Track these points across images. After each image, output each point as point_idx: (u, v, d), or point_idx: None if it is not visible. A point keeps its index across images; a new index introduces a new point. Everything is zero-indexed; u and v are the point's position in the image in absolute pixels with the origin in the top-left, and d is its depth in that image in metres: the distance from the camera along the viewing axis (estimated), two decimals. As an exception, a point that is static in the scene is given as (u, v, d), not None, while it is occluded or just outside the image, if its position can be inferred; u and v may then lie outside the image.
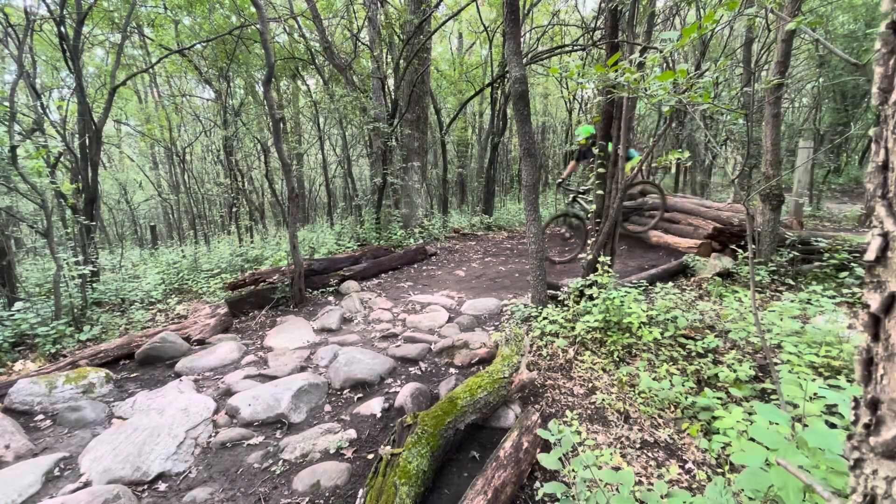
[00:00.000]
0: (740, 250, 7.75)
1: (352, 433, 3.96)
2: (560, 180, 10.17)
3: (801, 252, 7.45)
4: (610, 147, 6.53)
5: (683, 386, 4.13)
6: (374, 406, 4.34)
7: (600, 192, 6.12)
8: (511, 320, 6.23)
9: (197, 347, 6.18)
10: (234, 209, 16.01)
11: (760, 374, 4.46)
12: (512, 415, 4.06)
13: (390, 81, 13.84)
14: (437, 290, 8.29)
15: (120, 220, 23.87)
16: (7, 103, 7.10)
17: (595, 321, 5.12)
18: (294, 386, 4.52)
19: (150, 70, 16.97)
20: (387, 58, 14.12)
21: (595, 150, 8.46)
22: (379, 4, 13.04)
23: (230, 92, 15.64)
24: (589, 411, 4.20)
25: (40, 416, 4.53)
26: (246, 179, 17.78)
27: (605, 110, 6.03)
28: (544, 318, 5.57)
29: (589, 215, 8.80)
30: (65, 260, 7.34)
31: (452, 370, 5.08)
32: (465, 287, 8.43)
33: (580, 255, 8.39)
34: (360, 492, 2.90)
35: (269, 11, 13.79)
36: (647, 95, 3.67)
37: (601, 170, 6.08)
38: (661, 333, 4.92)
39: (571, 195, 10.08)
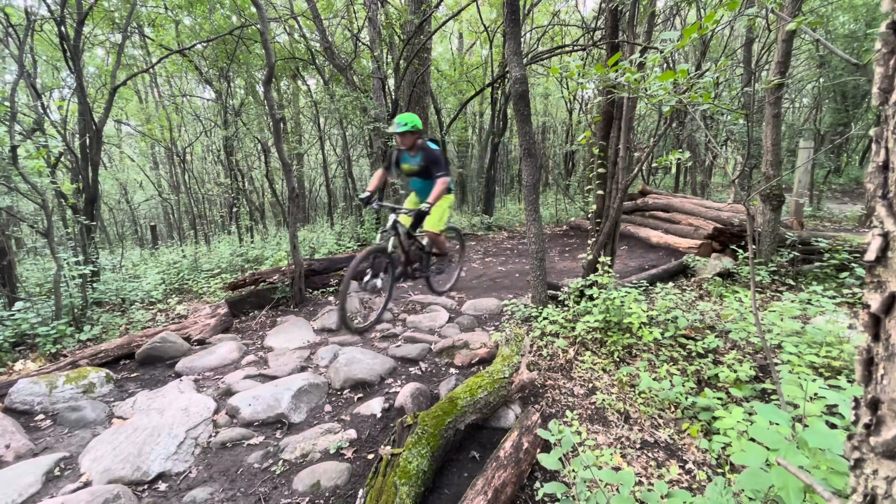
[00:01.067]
0: (740, 250, 7.75)
1: (352, 433, 3.96)
2: (365, 195, 6.71)
3: (802, 252, 7.46)
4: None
5: (684, 386, 4.14)
6: (375, 406, 4.33)
7: (600, 192, 6.12)
8: (511, 320, 6.23)
9: (197, 347, 6.17)
10: (235, 209, 16.03)
11: (761, 375, 4.47)
12: (512, 415, 4.06)
13: (391, 81, 13.84)
14: (438, 290, 8.30)
15: (120, 219, 23.91)
16: (8, 103, 7.09)
17: (595, 321, 5.12)
18: (294, 386, 4.52)
19: (151, 70, 17.00)
20: (387, 58, 14.12)
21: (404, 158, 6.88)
22: (379, 4, 13.05)
23: (230, 92, 15.66)
24: (589, 411, 4.21)
25: (40, 416, 4.52)
26: (246, 179, 17.80)
27: (606, 111, 6.03)
28: (544, 319, 5.58)
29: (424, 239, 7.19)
30: (65, 260, 7.34)
31: (453, 370, 5.08)
32: (465, 287, 8.43)
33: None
34: (361, 492, 2.90)
35: (270, 11, 13.80)
36: (647, 95, 3.68)
37: (601, 170, 6.08)
38: (662, 334, 4.92)
39: (391, 218, 6.71)
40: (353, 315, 6.97)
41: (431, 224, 6.89)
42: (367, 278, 6.76)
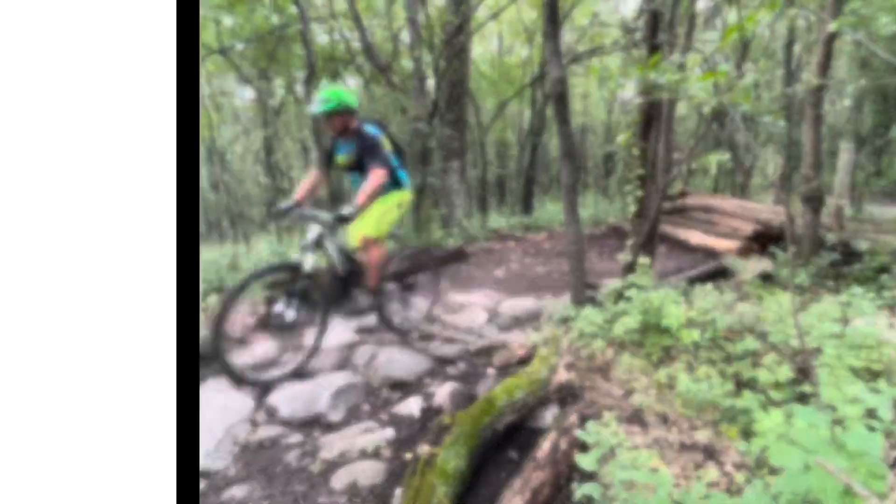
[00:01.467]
0: (780, 252, 7.65)
1: (390, 432, 3.99)
2: (290, 205, 5.08)
3: (842, 254, 7.34)
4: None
5: (722, 388, 4.10)
6: (412, 405, 4.36)
7: (640, 193, 6.10)
8: (549, 321, 6.22)
9: (236, 346, 6.25)
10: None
11: (800, 377, 4.42)
12: (550, 415, 4.06)
13: (430, 82, 13.89)
14: (476, 290, 8.30)
15: (161, 219, 24.25)
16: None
17: (634, 322, 5.10)
18: (332, 385, 4.56)
19: (193, 71, 17.20)
20: (427, 58, 14.19)
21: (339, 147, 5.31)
22: (420, 5, 13.10)
23: (270, 91, 15.81)
24: (627, 413, 4.19)
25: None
26: (286, 179, 17.96)
27: (645, 111, 6.00)
28: (583, 319, 5.56)
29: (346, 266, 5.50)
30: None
31: (490, 370, 5.08)
32: (503, 287, 8.43)
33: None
34: (398, 491, 2.93)
35: (310, 12, 13.94)
36: (687, 97, 3.67)
37: (641, 171, 6.06)
38: (701, 335, 4.88)
39: (314, 230, 4.93)
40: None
41: (366, 225, 5.14)
42: (277, 309, 4.99)
